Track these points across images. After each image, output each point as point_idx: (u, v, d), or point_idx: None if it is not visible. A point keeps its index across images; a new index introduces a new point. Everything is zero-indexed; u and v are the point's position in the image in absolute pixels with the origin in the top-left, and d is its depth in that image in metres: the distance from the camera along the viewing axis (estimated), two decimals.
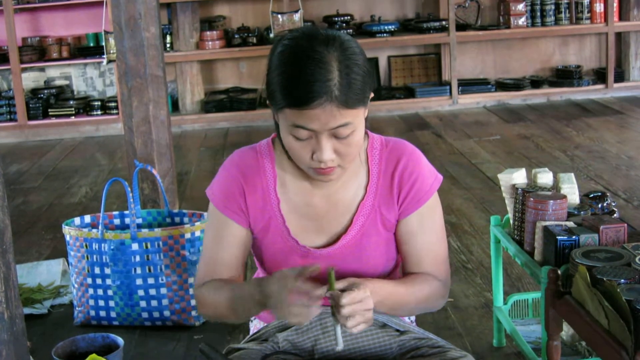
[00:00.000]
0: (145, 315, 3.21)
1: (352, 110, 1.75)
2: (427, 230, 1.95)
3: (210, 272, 1.97)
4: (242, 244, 1.97)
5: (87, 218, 3.43)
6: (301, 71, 1.72)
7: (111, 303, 3.23)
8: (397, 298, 1.88)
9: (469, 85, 7.61)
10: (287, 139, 1.82)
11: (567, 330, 2.57)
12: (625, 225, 2.29)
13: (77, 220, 3.39)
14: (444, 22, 7.47)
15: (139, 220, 3.44)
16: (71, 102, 7.43)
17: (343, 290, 1.72)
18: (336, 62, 1.73)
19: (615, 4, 7.55)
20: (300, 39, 1.77)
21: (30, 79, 7.64)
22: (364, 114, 1.83)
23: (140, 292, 3.19)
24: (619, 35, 7.78)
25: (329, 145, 1.78)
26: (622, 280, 1.98)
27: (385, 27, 7.48)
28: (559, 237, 2.27)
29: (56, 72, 7.72)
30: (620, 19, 7.67)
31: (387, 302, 1.84)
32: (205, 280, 1.97)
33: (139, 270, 3.18)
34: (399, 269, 2.08)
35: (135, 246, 3.17)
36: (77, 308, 3.30)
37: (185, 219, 3.43)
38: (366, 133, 1.95)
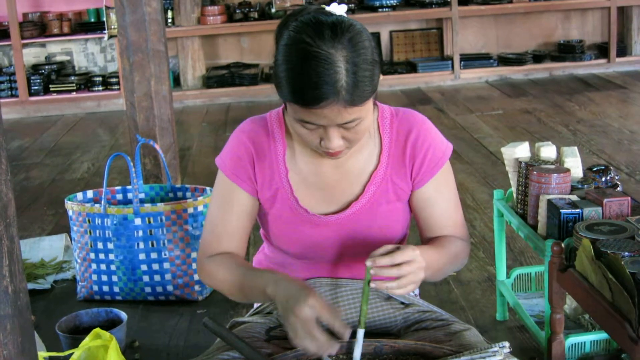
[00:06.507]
0: (148, 290, 3.22)
1: (359, 107, 1.73)
2: (444, 197, 1.96)
3: (215, 240, 1.96)
4: (249, 212, 1.97)
5: (90, 193, 3.42)
6: (307, 72, 1.66)
7: (114, 278, 3.23)
8: (436, 261, 1.86)
9: (471, 60, 7.59)
10: (294, 125, 1.80)
11: (569, 304, 2.57)
12: (629, 198, 2.28)
13: (79, 195, 3.39)
14: None
15: (142, 195, 3.44)
16: (72, 78, 7.41)
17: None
18: (343, 61, 1.67)
19: None
20: (305, 33, 1.69)
21: (31, 55, 7.61)
22: (373, 100, 1.80)
23: (143, 267, 3.19)
24: (621, 10, 7.73)
25: (336, 134, 1.76)
26: (626, 253, 1.98)
27: (387, 2, 7.44)
28: (562, 211, 2.27)
29: (57, 48, 7.69)
30: None
31: (429, 267, 1.81)
32: (212, 251, 1.96)
33: (141, 245, 3.18)
34: (407, 240, 2.08)
35: (138, 221, 3.17)
36: (80, 283, 3.31)
37: (188, 194, 3.43)
38: (375, 104, 1.94)
